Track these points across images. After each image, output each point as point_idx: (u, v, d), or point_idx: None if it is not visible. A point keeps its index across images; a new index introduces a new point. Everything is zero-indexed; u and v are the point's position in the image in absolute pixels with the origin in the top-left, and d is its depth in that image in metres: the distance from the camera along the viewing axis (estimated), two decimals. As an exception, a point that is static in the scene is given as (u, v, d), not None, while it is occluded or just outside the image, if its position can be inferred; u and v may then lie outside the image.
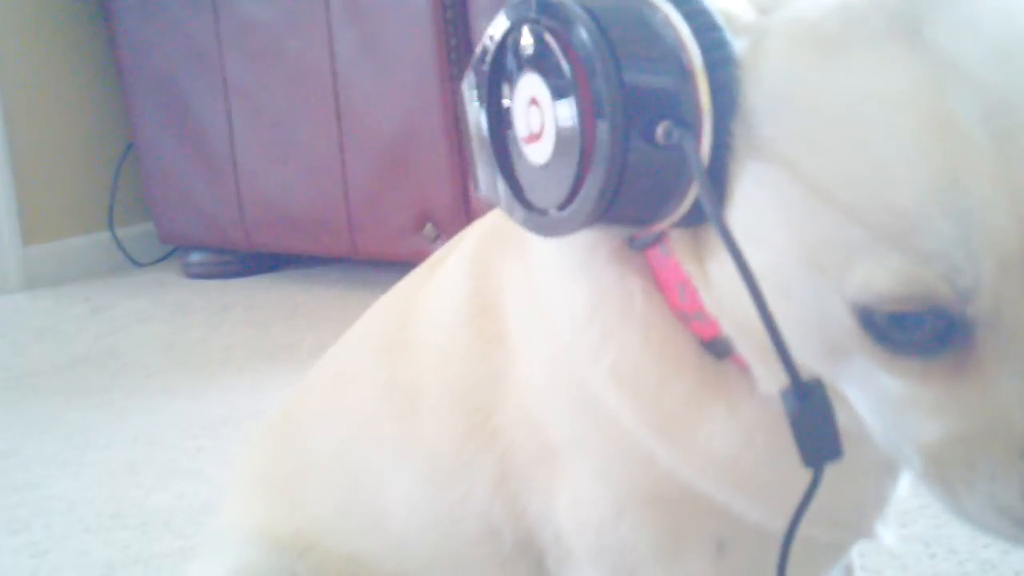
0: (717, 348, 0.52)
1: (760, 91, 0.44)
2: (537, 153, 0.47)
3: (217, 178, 2.58)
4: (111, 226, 2.99)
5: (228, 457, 1.51)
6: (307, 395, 0.79)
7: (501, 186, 0.50)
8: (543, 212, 0.48)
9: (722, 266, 0.47)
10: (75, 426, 1.73)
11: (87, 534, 1.29)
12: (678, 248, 0.50)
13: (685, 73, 0.43)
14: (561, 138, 0.46)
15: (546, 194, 0.48)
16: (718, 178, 0.45)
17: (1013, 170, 0.39)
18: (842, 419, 0.46)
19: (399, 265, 2.43)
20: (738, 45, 0.44)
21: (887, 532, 0.62)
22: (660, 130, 0.43)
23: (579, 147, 0.45)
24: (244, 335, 2.26)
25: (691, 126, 0.43)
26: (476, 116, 0.51)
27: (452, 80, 2.05)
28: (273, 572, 0.70)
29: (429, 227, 2.17)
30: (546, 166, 0.47)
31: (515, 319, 0.61)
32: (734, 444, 0.53)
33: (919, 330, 0.41)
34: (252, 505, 0.76)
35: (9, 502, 1.42)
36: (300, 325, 2.27)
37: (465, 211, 2.10)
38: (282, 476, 0.76)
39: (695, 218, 0.46)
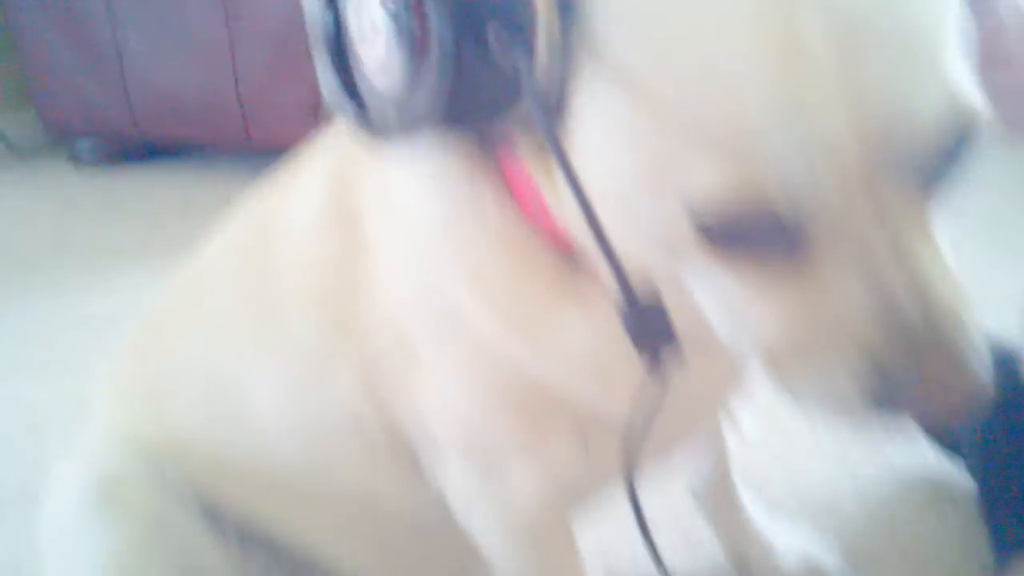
0: (569, 253, 0.53)
1: None
2: (372, 51, 0.46)
3: (100, 65, 2.48)
4: (-9, 114, 2.87)
5: (111, 354, 1.50)
6: (172, 299, 0.78)
7: (334, 85, 0.48)
8: (378, 112, 0.47)
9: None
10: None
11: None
12: (527, 157, 0.49)
13: None
14: (393, 36, 0.44)
15: (383, 102, 0.46)
16: (557, 85, 0.43)
17: (854, 86, 0.39)
18: (686, 319, 0.47)
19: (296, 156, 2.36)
20: None
21: (745, 422, 0.65)
22: (491, 32, 0.41)
23: (411, 46, 0.43)
24: (137, 230, 2.20)
25: (524, 30, 0.42)
26: (314, 11, 0.49)
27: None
28: (142, 477, 0.70)
29: (324, 114, 2.13)
30: (381, 66, 0.45)
31: (376, 231, 0.60)
32: (589, 344, 0.54)
33: (754, 234, 0.42)
34: (120, 410, 0.76)
35: None
36: (195, 220, 2.20)
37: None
38: (149, 382, 0.75)
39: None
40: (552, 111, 0.44)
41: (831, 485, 0.97)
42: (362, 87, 0.47)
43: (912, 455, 0.97)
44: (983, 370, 0.43)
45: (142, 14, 2.36)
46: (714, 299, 0.46)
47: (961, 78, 0.41)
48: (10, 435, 1.27)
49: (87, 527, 0.69)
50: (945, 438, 0.91)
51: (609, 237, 0.44)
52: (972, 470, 0.85)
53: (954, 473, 0.91)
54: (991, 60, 0.51)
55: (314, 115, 2.14)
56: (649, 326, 0.46)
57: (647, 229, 0.44)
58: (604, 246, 0.44)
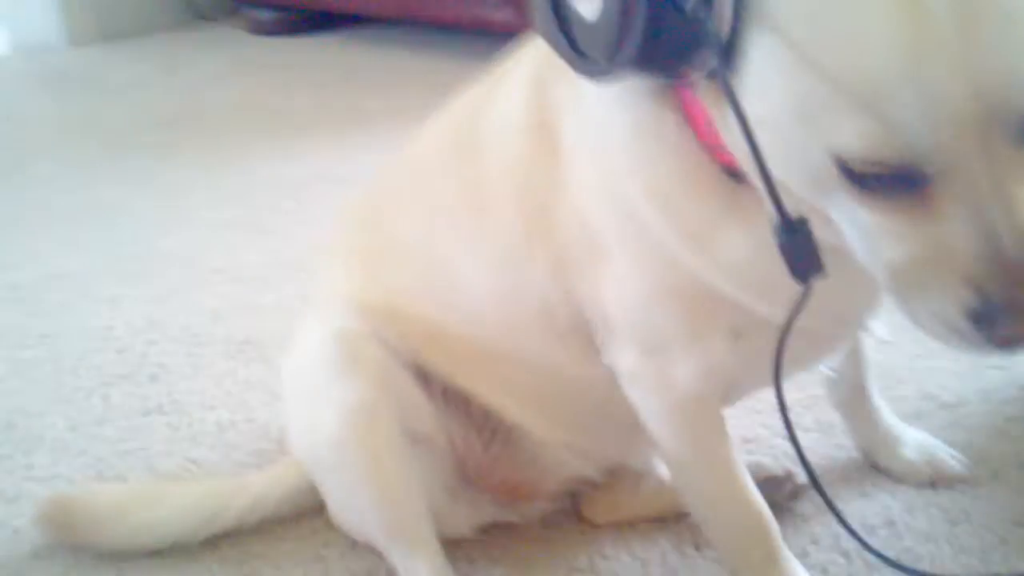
0: (735, 174, 0.63)
1: None
2: (588, 11, 0.57)
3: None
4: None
5: (308, 218, 1.66)
6: (390, 185, 0.90)
7: (558, 39, 0.60)
8: (592, 61, 0.58)
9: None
10: (172, 184, 1.89)
11: (195, 286, 1.47)
12: (704, 92, 0.60)
13: None
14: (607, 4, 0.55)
15: (594, 47, 0.57)
16: (732, 42, 0.54)
17: (970, 49, 0.47)
18: (832, 240, 0.57)
19: (458, 30, 2.45)
20: None
21: (878, 326, 0.76)
22: (689, 3, 0.53)
23: (621, 10, 0.54)
24: (309, 98, 2.35)
25: (711, 2, 0.53)
26: None
27: None
28: (370, 338, 0.83)
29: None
30: (595, 24, 0.57)
31: (569, 137, 0.71)
32: (747, 254, 0.65)
33: (886, 177, 0.51)
34: (350, 279, 0.89)
35: (126, 253, 1.60)
36: (361, 88, 2.34)
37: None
38: (373, 256, 0.88)
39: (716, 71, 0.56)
40: (727, 60, 0.54)
41: (957, 384, 1.04)
42: (574, 29, 0.58)
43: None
44: None
45: None
46: (851, 227, 0.56)
47: None
48: (227, 289, 1.45)
49: (330, 378, 0.82)
50: None
51: (767, 166, 0.54)
52: None
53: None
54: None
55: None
56: (798, 243, 0.57)
57: (797, 165, 0.55)
58: (763, 173, 0.54)
